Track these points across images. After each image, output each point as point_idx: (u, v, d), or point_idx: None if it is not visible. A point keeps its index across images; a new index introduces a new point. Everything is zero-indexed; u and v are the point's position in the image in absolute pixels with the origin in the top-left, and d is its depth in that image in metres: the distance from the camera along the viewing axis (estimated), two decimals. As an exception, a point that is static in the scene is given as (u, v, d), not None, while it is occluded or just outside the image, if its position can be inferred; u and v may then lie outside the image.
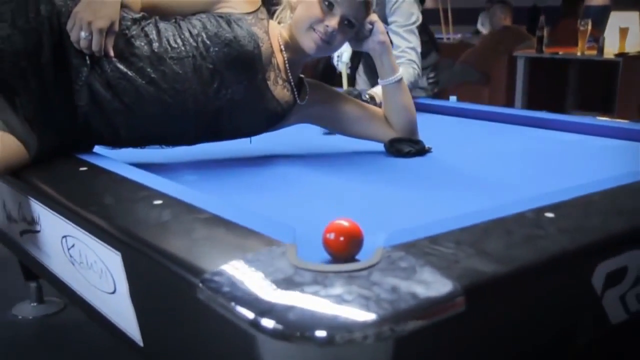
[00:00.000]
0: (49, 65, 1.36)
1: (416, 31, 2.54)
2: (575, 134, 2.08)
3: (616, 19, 5.78)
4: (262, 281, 0.77)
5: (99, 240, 1.06)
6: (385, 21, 2.59)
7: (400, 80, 1.69)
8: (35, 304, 2.56)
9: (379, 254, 0.83)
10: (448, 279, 0.77)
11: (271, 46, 1.56)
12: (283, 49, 1.61)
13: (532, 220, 0.99)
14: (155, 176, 1.23)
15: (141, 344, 1.04)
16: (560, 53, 5.91)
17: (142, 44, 1.43)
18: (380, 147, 1.74)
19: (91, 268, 1.12)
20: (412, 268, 0.79)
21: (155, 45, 1.44)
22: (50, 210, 1.23)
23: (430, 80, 3.02)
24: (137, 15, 1.47)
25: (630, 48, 5.49)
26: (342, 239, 0.91)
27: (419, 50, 2.51)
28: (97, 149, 1.51)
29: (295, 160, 1.65)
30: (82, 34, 1.35)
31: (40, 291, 2.53)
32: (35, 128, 1.35)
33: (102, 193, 1.16)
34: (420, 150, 1.71)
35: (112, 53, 1.39)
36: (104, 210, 1.08)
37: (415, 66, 2.48)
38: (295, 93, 1.63)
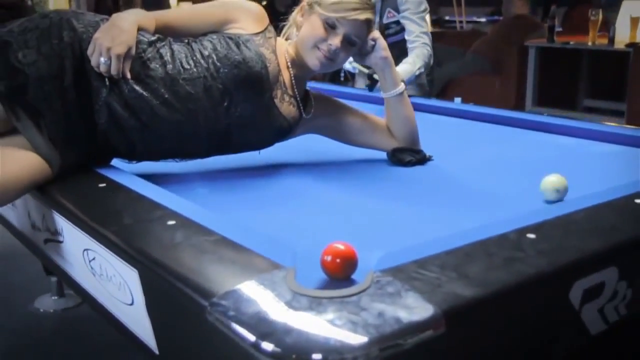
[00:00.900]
0: (71, 87, 1.46)
1: (427, 18, 2.85)
2: (574, 138, 2.16)
3: (628, 8, 5.77)
4: (264, 306, 0.86)
5: (118, 257, 1.16)
6: (397, 10, 2.84)
7: (402, 93, 1.77)
8: (55, 297, 2.69)
9: (369, 278, 0.92)
10: (429, 303, 0.86)
11: (278, 65, 1.65)
12: (289, 65, 1.70)
13: (513, 242, 1.07)
14: (170, 194, 1.32)
15: (157, 352, 1.15)
16: (572, 43, 5.92)
17: (157, 66, 1.52)
18: (383, 155, 1.83)
19: (110, 280, 1.22)
20: (398, 293, 0.88)
21: (169, 67, 1.53)
22: (73, 225, 1.33)
23: (429, 78, 3.20)
24: (153, 38, 1.56)
25: (642, 38, 5.49)
26: (338, 261, 0.99)
27: (429, 32, 2.81)
28: (115, 162, 1.61)
29: (301, 171, 1.74)
30: (102, 59, 1.45)
31: (61, 285, 2.65)
32: (58, 146, 1.45)
33: (121, 211, 1.26)
34: (421, 160, 1.79)
35: (129, 76, 1.49)
36: (122, 229, 1.17)
37: (429, 48, 2.78)
38: (301, 107, 1.72)
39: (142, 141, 1.55)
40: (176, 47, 1.57)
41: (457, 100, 2.62)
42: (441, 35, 7.66)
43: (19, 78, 1.42)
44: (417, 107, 2.52)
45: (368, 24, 1.67)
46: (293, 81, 1.70)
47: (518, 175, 1.74)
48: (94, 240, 1.23)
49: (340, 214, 1.43)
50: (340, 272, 0.99)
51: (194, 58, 1.56)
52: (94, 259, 1.27)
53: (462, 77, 6.71)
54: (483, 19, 9.44)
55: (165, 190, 1.36)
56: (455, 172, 1.76)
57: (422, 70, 2.74)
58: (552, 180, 1.44)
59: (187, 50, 1.57)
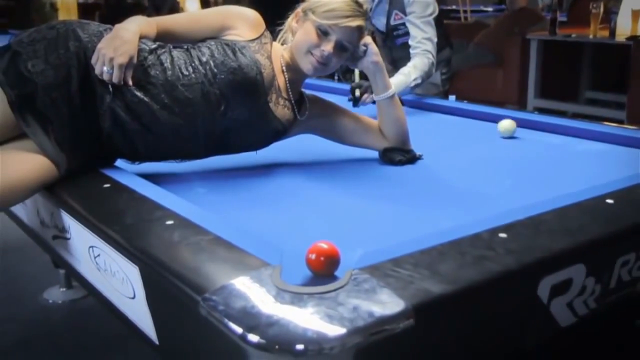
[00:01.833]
0: (76, 94, 1.55)
1: (433, 22, 2.69)
2: (562, 136, 2.23)
3: (630, 1, 5.81)
4: (251, 301, 0.96)
5: (120, 254, 1.25)
6: (403, 12, 2.75)
7: (392, 96, 1.86)
8: (64, 289, 2.78)
9: (347, 276, 1.01)
10: (401, 299, 0.95)
11: (273, 70, 1.73)
12: (284, 69, 1.78)
13: (485, 241, 1.16)
14: (170, 195, 1.41)
15: (157, 342, 1.24)
16: (573, 35, 5.96)
17: (157, 72, 1.61)
18: (374, 155, 1.91)
19: (114, 276, 1.32)
20: (373, 289, 0.97)
21: (169, 73, 1.62)
22: (79, 223, 1.42)
23: (444, 77, 3.09)
24: (154, 46, 1.65)
25: (643, 30, 5.52)
26: (322, 259, 1.08)
27: (435, 40, 2.66)
28: (119, 163, 1.70)
29: (296, 170, 1.82)
30: (105, 68, 1.54)
31: (69, 277, 2.74)
32: (64, 149, 1.54)
33: (123, 211, 1.35)
34: (411, 159, 1.88)
35: (130, 83, 1.57)
36: (124, 229, 1.26)
37: (430, 56, 2.63)
38: (296, 110, 1.81)
39: (144, 143, 1.64)
40: (176, 53, 1.66)
41: (452, 98, 2.69)
42: (445, 27, 7.71)
43: (29, 86, 1.51)
44: (413, 105, 2.63)
45: (360, 31, 1.75)
46: (288, 85, 1.79)
47: (502, 174, 1.83)
48: (99, 238, 1.32)
49: (329, 213, 1.52)
50: (324, 269, 1.08)
51: (193, 65, 1.64)
52: (98, 255, 1.36)
53: (465, 69, 6.78)
54: (490, 9, 9.48)
55: (165, 191, 1.45)
56: (442, 172, 1.85)
57: (419, 81, 2.60)
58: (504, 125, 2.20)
59: (186, 57, 1.66)
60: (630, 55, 5.34)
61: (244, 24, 1.73)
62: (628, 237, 1.32)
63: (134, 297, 1.27)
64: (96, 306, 2.67)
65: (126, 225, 1.28)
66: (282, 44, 1.84)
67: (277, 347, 0.88)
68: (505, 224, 1.23)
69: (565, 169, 1.87)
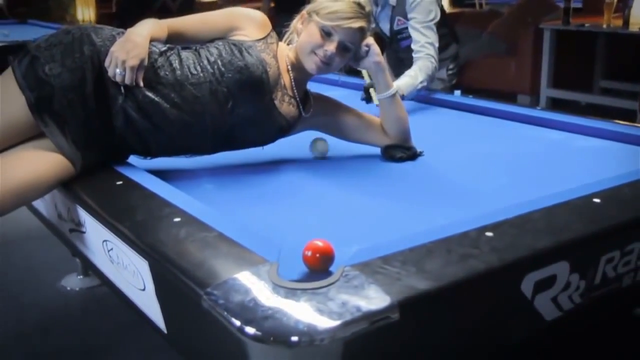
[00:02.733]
0: (91, 95, 1.64)
1: (434, 27, 2.76)
2: (563, 132, 2.29)
3: (644, -11, 5.78)
4: (248, 295, 1.04)
5: (131, 249, 1.33)
6: (405, 17, 2.81)
7: (394, 95, 1.92)
8: (81, 276, 2.89)
9: (339, 272, 1.08)
10: (387, 294, 1.03)
11: (278, 69, 1.81)
12: (290, 69, 1.86)
13: (472, 239, 1.23)
14: (178, 192, 1.50)
15: (165, 331, 1.33)
16: (587, 25, 5.95)
17: (167, 73, 1.69)
18: (377, 151, 1.98)
19: (126, 268, 1.40)
20: (362, 285, 1.05)
21: (178, 73, 1.70)
22: (93, 218, 1.51)
23: (450, 72, 3.15)
24: (163, 48, 1.74)
25: (657, 19, 5.50)
26: (317, 256, 1.16)
27: (437, 45, 2.74)
28: (132, 159, 1.78)
29: (300, 167, 1.90)
30: (117, 70, 1.62)
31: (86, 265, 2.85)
32: (80, 147, 1.63)
33: (134, 208, 1.44)
34: (412, 156, 1.95)
35: (141, 84, 1.66)
36: (135, 225, 1.35)
37: (433, 60, 2.70)
38: (301, 107, 1.88)
39: (155, 141, 1.72)
40: (184, 54, 1.74)
41: (457, 92, 2.75)
42: (459, 16, 7.71)
43: (46, 89, 1.61)
44: (420, 99, 2.69)
45: (362, 32, 1.82)
46: (293, 83, 1.86)
47: (500, 171, 1.89)
48: (112, 233, 1.41)
49: (329, 209, 1.59)
50: (319, 266, 1.15)
51: (201, 64, 1.72)
52: (111, 249, 1.45)
53: (477, 58, 6.79)
54: (504, -2, 9.45)
55: (174, 188, 1.53)
56: (441, 168, 1.91)
57: (425, 83, 2.68)
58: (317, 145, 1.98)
59: (194, 57, 1.74)
60: (644, 44, 5.34)
61: (251, 25, 1.81)
62: (612, 235, 1.38)
63: (144, 289, 1.35)
64: (111, 294, 2.78)
65: (137, 222, 1.37)
66: (288, 44, 1.91)
67: (272, 338, 0.96)
68: (493, 222, 1.30)
69: (561, 166, 1.92)
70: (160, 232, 1.31)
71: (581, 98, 6.34)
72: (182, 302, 1.20)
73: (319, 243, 1.17)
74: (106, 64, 1.64)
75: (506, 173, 1.87)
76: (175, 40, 1.79)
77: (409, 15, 2.77)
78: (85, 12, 9.93)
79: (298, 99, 1.88)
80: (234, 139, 1.80)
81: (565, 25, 6.01)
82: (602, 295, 1.42)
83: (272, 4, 6.34)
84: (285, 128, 1.86)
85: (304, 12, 1.85)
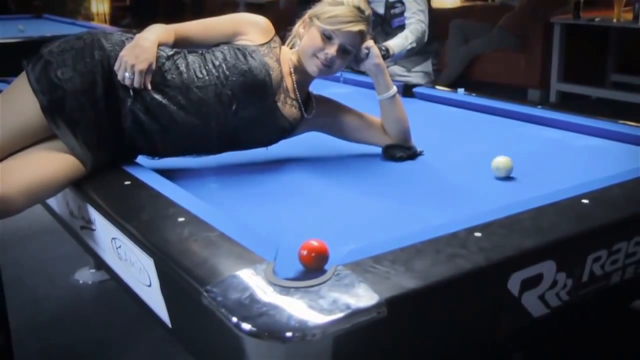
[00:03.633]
0: (101, 98, 1.72)
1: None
2: (561, 130, 2.33)
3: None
4: (245, 293, 1.10)
5: (138, 247, 1.40)
6: None
7: (394, 96, 1.98)
8: (94, 270, 2.96)
9: (331, 271, 1.15)
10: (376, 293, 1.09)
11: (281, 72, 1.87)
12: (292, 71, 1.92)
13: (461, 239, 1.29)
14: (183, 192, 1.56)
15: (170, 325, 1.40)
16: (597, 19, 5.96)
17: (174, 76, 1.76)
18: (378, 150, 2.04)
19: (133, 265, 1.48)
20: (352, 284, 1.11)
21: (185, 76, 1.77)
22: (102, 217, 1.58)
23: (434, 67, 3.45)
24: (171, 52, 1.81)
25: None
26: (313, 255, 1.22)
27: (427, 13, 3.10)
28: (140, 159, 1.86)
29: (302, 166, 1.96)
30: (127, 74, 1.70)
31: (98, 259, 2.93)
32: (91, 148, 1.70)
33: (141, 207, 1.50)
34: (412, 155, 2.01)
35: (149, 87, 1.73)
36: (141, 225, 1.42)
37: (423, 25, 3.08)
38: (303, 109, 1.94)
39: (162, 141, 1.79)
40: (191, 58, 1.81)
41: (460, 91, 2.79)
42: (470, 9, 7.74)
43: (58, 92, 1.68)
44: (423, 97, 2.74)
45: (361, 35, 1.87)
46: (295, 86, 1.92)
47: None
48: (120, 232, 1.48)
49: (328, 209, 1.66)
50: (314, 264, 1.22)
51: (207, 68, 1.79)
52: (120, 246, 1.52)
53: (488, 52, 6.81)
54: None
55: (179, 188, 1.60)
56: (439, 168, 1.97)
57: (414, 45, 3.02)
58: (499, 162, 1.82)
59: (200, 61, 1.80)
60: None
61: (255, 30, 1.87)
62: (598, 235, 1.43)
63: (150, 285, 1.42)
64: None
65: (143, 221, 1.44)
66: (291, 48, 1.97)
67: (266, 334, 1.03)
68: (483, 223, 1.36)
69: (557, 166, 1.97)
70: (165, 231, 1.38)
71: (591, 92, 6.35)
72: (184, 298, 1.27)
73: (314, 243, 1.23)
74: (116, 67, 1.72)
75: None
76: (182, 44, 1.85)
77: None
78: (100, 6, 10.02)
79: (300, 100, 1.94)
80: (238, 139, 1.87)
81: (576, 19, 6.03)
82: (591, 292, 1.47)
83: None
84: (288, 129, 1.92)
85: (306, 16, 1.91)
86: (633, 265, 1.54)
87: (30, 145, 1.71)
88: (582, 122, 2.31)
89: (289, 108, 1.90)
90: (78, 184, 1.71)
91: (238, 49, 1.83)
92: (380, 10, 3.22)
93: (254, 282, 1.13)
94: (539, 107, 2.54)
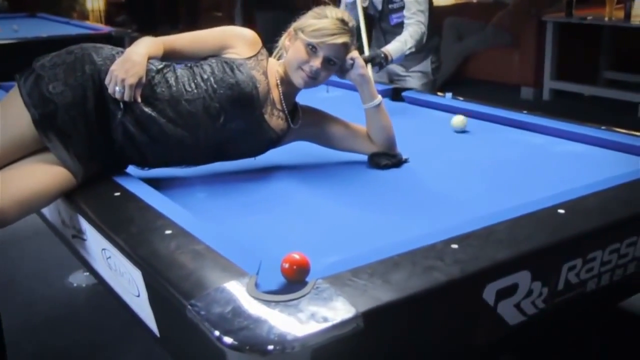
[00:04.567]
0: (92, 111, 1.76)
1: None
2: (544, 135, 2.38)
3: (647, -19, 5.81)
4: (227, 307, 1.15)
5: (127, 259, 1.45)
6: None
7: (379, 105, 2.02)
8: (87, 273, 2.94)
9: (310, 285, 1.19)
10: (353, 306, 1.13)
11: (268, 85, 1.91)
12: (279, 83, 1.96)
13: (438, 251, 1.33)
14: (171, 203, 1.61)
15: (158, 335, 1.45)
16: (589, 17, 6.00)
17: (163, 90, 1.81)
18: (363, 158, 2.09)
19: (122, 276, 1.52)
20: (330, 297, 1.16)
21: (174, 90, 1.81)
22: (93, 228, 1.63)
23: (434, 65, 3.38)
24: (160, 66, 1.85)
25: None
26: (294, 268, 1.27)
27: (427, 13, 3.10)
28: (130, 169, 1.90)
29: (289, 175, 2.00)
30: (117, 88, 1.74)
31: (92, 263, 2.97)
32: (82, 161, 1.75)
33: (130, 220, 1.55)
34: (397, 163, 2.05)
35: (139, 100, 1.77)
36: (129, 237, 1.46)
37: (423, 26, 3.07)
38: (289, 120, 1.99)
39: (152, 153, 1.84)
40: (180, 71, 1.85)
41: (448, 95, 2.83)
42: (464, 7, 7.77)
43: (50, 106, 1.72)
44: (411, 102, 2.79)
45: (345, 46, 1.92)
46: (282, 97, 1.97)
47: (479, 178, 1.99)
48: (109, 243, 1.53)
49: (313, 219, 1.70)
50: (295, 277, 1.26)
51: (195, 81, 1.83)
52: (109, 257, 1.57)
53: (481, 50, 6.86)
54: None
55: (168, 199, 1.64)
56: (423, 176, 2.01)
57: (413, 49, 3.05)
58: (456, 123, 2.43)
59: (189, 74, 1.85)
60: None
61: (242, 43, 1.91)
62: (573, 245, 1.48)
63: (138, 296, 1.47)
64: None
65: (131, 234, 1.48)
66: (278, 60, 2.01)
67: (247, 347, 1.07)
68: (460, 234, 1.40)
69: (538, 173, 2.02)
70: (153, 244, 1.42)
71: (584, 90, 6.39)
72: (170, 310, 1.31)
73: (296, 256, 1.28)
74: (106, 82, 1.76)
75: (485, 179, 1.97)
76: (171, 57, 1.90)
77: None
78: (95, 2, 10.01)
79: (287, 112, 1.98)
80: (226, 151, 1.92)
81: (568, 17, 6.07)
82: (567, 300, 1.52)
83: None
84: (275, 140, 1.97)
85: (291, 29, 1.95)
86: (608, 273, 1.59)
87: (22, 157, 1.76)
88: (565, 128, 2.36)
89: (275, 120, 1.94)
90: (69, 195, 1.76)
91: (226, 62, 1.87)
92: (379, 6, 3.24)
93: (236, 296, 1.17)
94: (525, 112, 2.57)
